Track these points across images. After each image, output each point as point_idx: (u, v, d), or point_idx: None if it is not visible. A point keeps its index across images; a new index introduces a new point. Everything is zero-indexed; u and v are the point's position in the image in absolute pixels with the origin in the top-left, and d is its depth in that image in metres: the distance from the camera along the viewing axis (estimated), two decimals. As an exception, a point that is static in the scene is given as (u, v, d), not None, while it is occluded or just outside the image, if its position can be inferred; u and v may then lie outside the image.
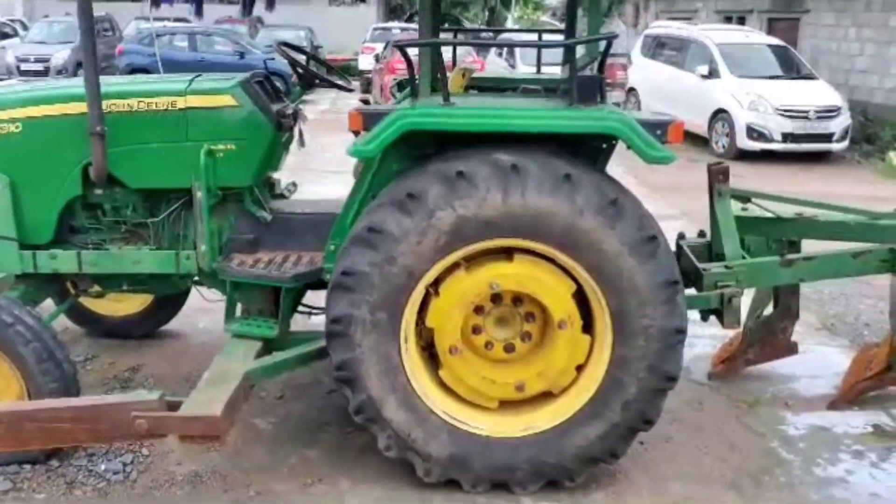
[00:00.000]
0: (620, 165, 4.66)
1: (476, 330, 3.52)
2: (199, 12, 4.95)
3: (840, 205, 4.41)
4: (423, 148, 3.46)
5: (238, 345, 3.82)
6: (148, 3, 4.93)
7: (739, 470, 3.79)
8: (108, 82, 3.89)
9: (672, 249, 3.44)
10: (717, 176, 4.19)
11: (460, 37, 8.38)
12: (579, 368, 3.47)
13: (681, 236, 4.56)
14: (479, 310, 3.50)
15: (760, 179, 10.83)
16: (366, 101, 6.49)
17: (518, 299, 3.47)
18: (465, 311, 3.39)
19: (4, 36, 22.03)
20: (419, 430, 3.44)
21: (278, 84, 4.26)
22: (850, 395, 4.36)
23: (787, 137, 12.54)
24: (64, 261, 3.96)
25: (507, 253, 3.35)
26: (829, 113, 12.72)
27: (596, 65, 3.75)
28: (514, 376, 3.50)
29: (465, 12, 38.01)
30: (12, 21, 25.00)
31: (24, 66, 20.79)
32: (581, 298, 3.40)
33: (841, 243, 4.31)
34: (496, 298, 3.48)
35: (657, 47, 15.27)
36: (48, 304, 4.45)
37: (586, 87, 3.38)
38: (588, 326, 3.43)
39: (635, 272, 3.24)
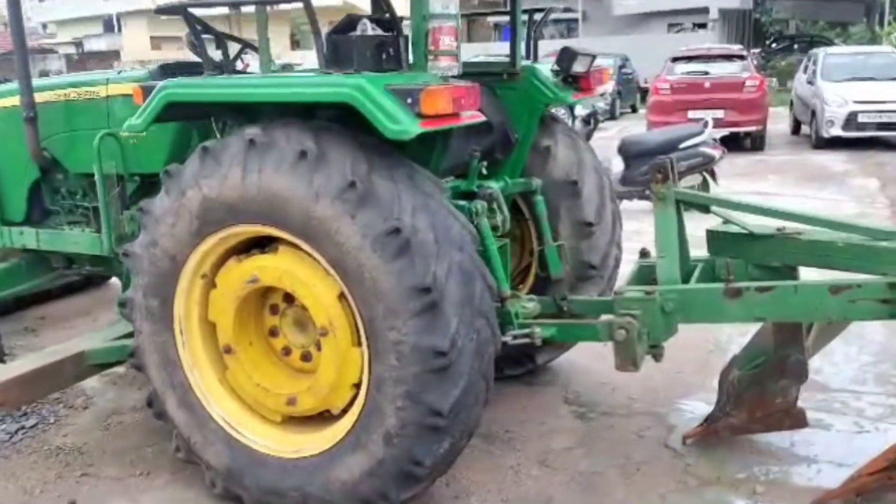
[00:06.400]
0: None
1: (273, 332, 3.13)
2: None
3: (840, 220, 3.10)
4: None
5: (117, 326, 3.86)
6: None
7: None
8: (52, 78, 4.23)
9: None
10: (655, 174, 3.23)
11: None
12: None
13: (642, 253, 3.62)
14: (274, 309, 3.11)
15: None
16: None
17: (310, 300, 3.00)
18: (235, 305, 3.03)
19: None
20: (199, 435, 3.15)
21: None
22: (844, 492, 3.01)
23: None
24: (27, 237, 4.37)
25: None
26: None
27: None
28: (287, 388, 3.04)
29: (844, 32, 34.09)
30: None
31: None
32: None
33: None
34: (290, 298, 3.06)
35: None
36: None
37: (341, 51, 2.83)
38: None
39: (379, 272, 2.62)
